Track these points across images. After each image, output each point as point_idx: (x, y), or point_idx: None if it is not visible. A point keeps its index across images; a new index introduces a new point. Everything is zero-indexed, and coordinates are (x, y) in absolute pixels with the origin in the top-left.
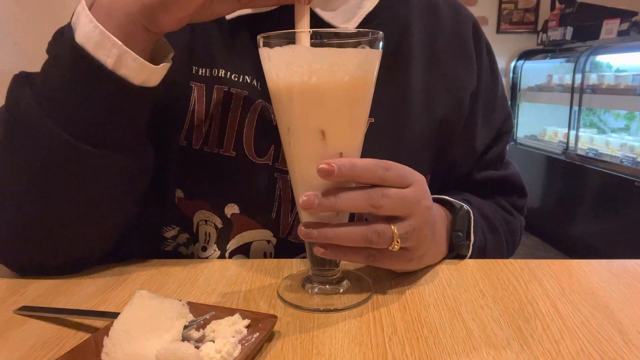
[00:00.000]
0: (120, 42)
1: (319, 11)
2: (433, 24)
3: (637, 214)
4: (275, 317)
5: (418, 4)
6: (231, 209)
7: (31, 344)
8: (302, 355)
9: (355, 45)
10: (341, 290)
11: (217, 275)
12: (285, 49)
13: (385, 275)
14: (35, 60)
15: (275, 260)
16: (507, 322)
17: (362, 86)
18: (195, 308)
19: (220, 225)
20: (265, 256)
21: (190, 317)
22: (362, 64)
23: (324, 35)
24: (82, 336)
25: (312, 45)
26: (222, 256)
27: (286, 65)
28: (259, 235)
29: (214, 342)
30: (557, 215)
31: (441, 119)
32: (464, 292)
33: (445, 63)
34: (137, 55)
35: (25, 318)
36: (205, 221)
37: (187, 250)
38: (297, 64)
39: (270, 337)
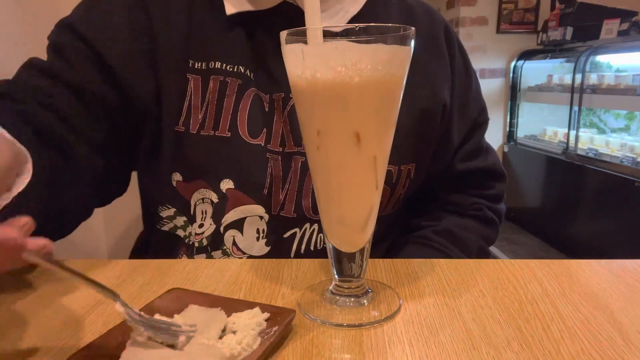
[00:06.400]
0: None
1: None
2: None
3: (637, 214)
4: (293, 311)
5: (396, 9)
6: (226, 184)
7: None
8: (302, 355)
9: (391, 41)
10: (365, 302)
11: (217, 275)
12: (326, 46)
13: (385, 276)
14: None
15: (275, 260)
16: (507, 322)
17: (400, 85)
18: (215, 300)
19: (216, 200)
20: (257, 232)
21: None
22: (403, 62)
23: (351, 31)
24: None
25: (333, 40)
26: (217, 230)
27: (326, 64)
28: (252, 211)
29: (235, 333)
30: (557, 215)
31: (421, 109)
32: (464, 292)
33: (420, 61)
34: None
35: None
36: (202, 199)
37: (185, 232)
38: (340, 62)
39: (288, 331)
